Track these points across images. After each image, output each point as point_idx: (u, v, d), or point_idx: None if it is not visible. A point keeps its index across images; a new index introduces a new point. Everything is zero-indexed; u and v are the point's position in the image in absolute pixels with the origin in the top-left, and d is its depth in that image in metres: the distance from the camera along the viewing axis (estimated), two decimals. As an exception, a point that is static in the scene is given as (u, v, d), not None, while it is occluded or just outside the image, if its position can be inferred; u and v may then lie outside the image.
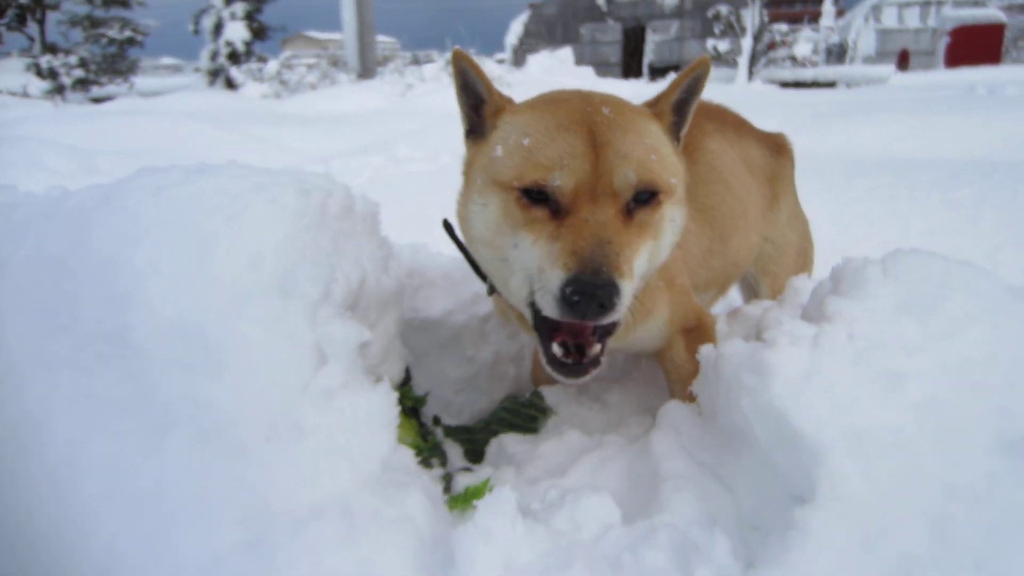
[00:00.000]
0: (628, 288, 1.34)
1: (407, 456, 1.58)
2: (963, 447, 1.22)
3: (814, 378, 1.28)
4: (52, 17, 26.36)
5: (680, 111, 1.72)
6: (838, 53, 31.52)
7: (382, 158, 7.05)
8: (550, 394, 2.28)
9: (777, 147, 2.65)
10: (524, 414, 2.22)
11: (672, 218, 1.57)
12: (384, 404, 1.52)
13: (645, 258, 1.48)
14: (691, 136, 2.17)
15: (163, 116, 10.39)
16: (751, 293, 2.75)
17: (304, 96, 17.51)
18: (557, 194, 1.43)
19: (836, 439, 1.23)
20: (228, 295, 1.46)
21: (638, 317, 1.67)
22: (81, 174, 6.68)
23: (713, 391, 1.45)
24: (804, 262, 2.75)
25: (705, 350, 1.49)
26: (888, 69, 24.66)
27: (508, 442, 2.00)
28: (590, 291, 1.28)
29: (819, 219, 3.15)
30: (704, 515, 1.36)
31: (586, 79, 23.03)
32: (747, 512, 1.36)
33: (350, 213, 1.92)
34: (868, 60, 30.72)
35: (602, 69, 29.64)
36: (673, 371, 1.99)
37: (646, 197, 1.47)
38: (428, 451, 1.89)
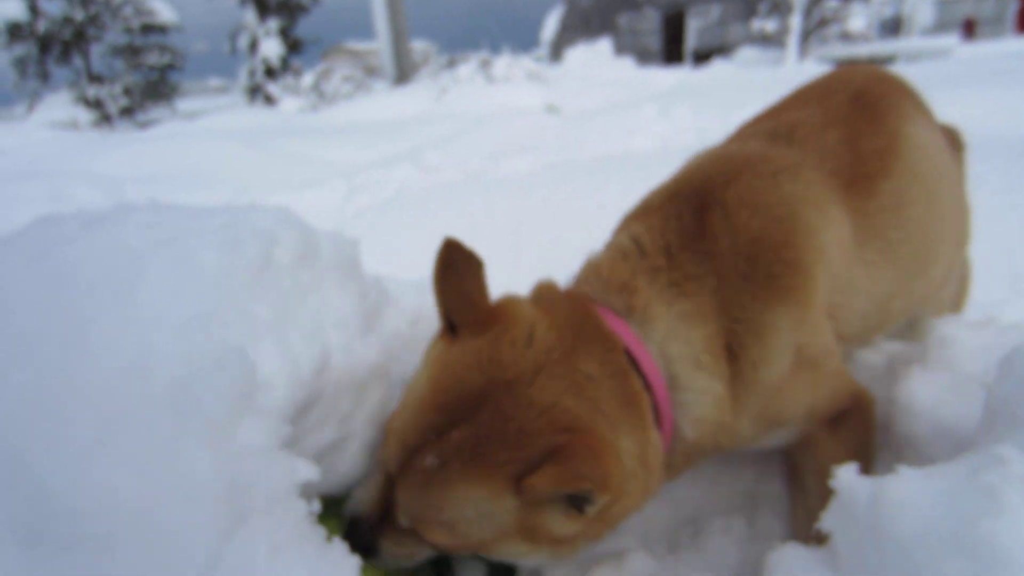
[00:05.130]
0: None
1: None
2: None
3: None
4: (96, 49, 26.94)
5: None
6: (892, 27, 30.03)
7: (410, 167, 6.55)
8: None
9: (953, 141, 1.98)
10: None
11: None
12: (339, 571, 0.99)
13: None
14: (885, 124, 1.61)
15: (194, 138, 10.14)
16: None
17: (339, 107, 17.15)
18: None
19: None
20: (92, 420, 0.95)
21: (762, 426, 1.43)
22: (107, 204, 6.38)
23: (864, 544, 0.88)
24: (962, 289, 2.14)
25: (847, 479, 0.92)
26: (952, 40, 23.24)
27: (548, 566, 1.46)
28: None
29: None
30: None
31: (625, 70, 22.26)
32: None
33: (311, 261, 1.40)
34: (927, 32, 29.12)
35: (643, 58, 28.87)
36: (809, 476, 1.44)
37: None
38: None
